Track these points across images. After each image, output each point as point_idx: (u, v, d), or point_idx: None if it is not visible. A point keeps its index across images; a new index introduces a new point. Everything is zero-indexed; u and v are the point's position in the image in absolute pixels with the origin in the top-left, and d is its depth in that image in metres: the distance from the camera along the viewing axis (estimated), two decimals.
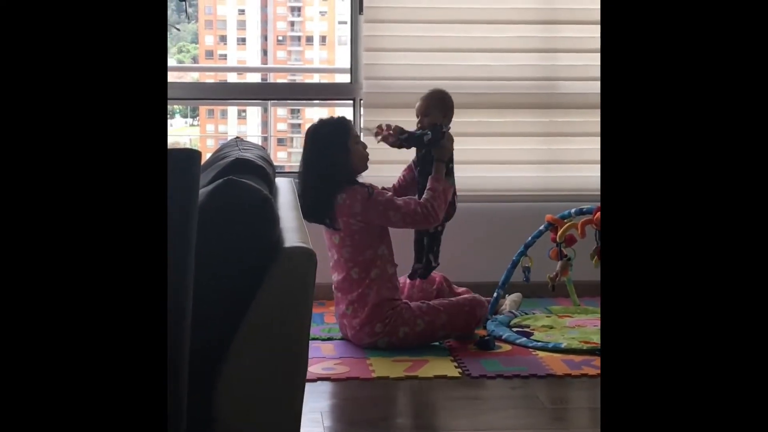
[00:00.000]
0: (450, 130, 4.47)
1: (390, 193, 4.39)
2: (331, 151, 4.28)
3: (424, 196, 4.34)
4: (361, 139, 4.50)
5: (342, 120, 4.38)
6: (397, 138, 4.36)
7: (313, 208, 4.25)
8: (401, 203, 4.29)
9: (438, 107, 4.47)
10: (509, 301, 4.91)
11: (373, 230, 4.30)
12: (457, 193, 4.53)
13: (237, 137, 3.67)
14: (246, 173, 2.70)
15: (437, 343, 4.36)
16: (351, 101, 5.46)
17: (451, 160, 4.46)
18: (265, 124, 12.79)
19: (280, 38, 16.63)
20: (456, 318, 4.33)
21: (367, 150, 4.41)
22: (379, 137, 4.39)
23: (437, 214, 4.31)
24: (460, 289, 4.79)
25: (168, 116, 2.19)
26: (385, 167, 4.89)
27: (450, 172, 4.46)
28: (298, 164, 4.40)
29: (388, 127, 4.38)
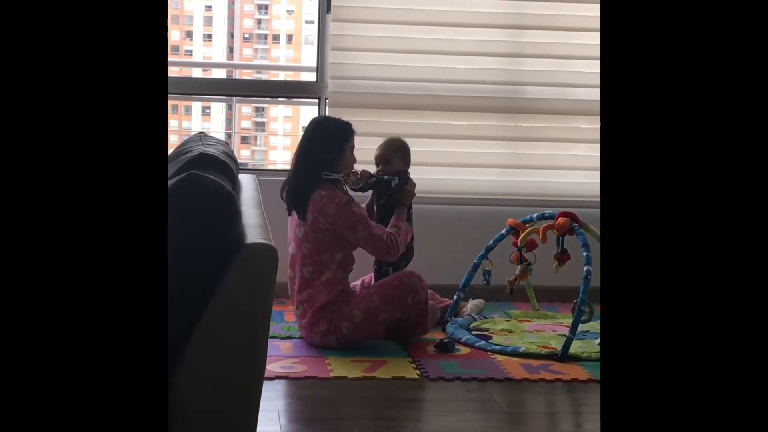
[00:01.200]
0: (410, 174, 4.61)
1: (364, 212, 4.39)
2: (327, 147, 4.34)
3: (388, 230, 4.39)
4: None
5: (347, 123, 4.43)
6: (365, 182, 4.47)
7: (292, 194, 4.34)
8: (373, 224, 4.35)
9: (398, 155, 4.62)
10: (471, 305, 4.92)
11: (338, 235, 4.30)
12: (413, 228, 4.59)
13: (201, 132, 3.65)
14: (209, 168, 2.69)
15: (397, 344, 4.34)
16: (316, 100, 5.45)
17: (410, 207, 4.58)
18: (229, 121, 12.73)
19: (247, 36, 16.58)
20: (387, 295, 4.28)
21: (355, 165, 4.46)
22: (349, 181, 4.42)
23: (398, 250, 4.38)
24: None
25: None
26: None
27: (409, 218, 4.57)
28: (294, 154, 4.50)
29: (355, 173, 4.43)
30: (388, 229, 4.38)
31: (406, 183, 4.55)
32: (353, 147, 4.43)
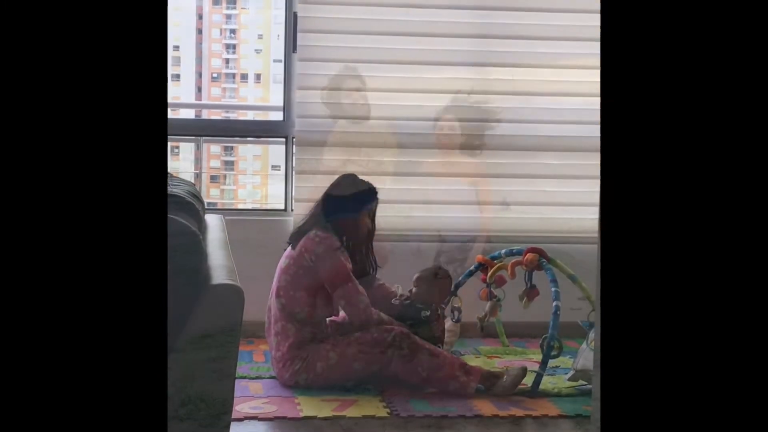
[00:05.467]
0: (440, 315, 4.68)
1: (350, 267, 4.35)
2: (348, 202, 4.37)
3: (382, 313, 4.40)
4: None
5: (374, 190, 4.47)
6: (401, 301, 4.59)
7: (296, 229, 4.43)
8: (355, 284, 4.31)
9: (426, 283, 4.68)
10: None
11: (318, 278, 4.29)
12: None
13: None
14: (174, 209, 2.69)
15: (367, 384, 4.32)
16: (283, 139, 5.46)
17: (438, 340, 4.58)
18: (198, 160, 12.69)
19: (215, 75, 16.59)
20: (366, 346, 4.26)
21: (372, 233, 4.52)
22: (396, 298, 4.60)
23: (368, 321, 4.32)
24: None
25: None
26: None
27: (436, 340, 4.54)
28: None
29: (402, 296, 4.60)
30: (379, 312, 4.38)
31: (435, 319, 4.58)
32: (374, 213, 4.47)
